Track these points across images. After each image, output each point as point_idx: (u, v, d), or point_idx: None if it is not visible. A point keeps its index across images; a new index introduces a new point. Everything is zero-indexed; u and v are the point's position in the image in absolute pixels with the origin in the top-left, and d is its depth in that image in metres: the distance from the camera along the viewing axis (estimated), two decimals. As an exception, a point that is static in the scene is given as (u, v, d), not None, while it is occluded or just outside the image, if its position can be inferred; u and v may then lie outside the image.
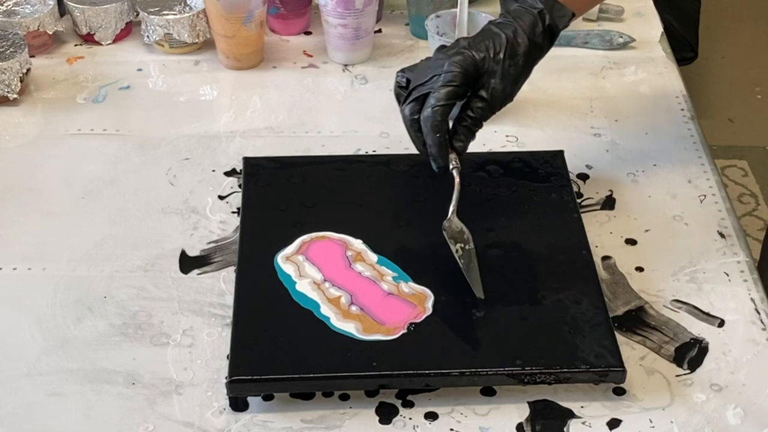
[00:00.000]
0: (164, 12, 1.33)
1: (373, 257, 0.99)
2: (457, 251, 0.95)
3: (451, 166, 0.98)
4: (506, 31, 0.99)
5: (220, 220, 1.08)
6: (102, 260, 1.03)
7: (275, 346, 0.90)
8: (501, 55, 0.97)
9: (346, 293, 0.95)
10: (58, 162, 1.17)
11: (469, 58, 0.97)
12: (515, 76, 0.98)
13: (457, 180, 0.98)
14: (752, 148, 2.51)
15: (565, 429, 0.87)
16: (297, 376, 0.88)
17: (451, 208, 0.97)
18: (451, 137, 0.98)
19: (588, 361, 0.88)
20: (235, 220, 1.07)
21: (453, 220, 0.97)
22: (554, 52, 1.09)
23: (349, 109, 1.25)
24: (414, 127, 0.98)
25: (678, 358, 0.93)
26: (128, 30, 1.38)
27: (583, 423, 0.87)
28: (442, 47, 1.01)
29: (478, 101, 0.98)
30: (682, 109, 1.25)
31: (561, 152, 1.13)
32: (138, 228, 1.07)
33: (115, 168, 1.16)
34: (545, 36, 1.00)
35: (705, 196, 1.11)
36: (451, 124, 1.00)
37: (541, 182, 1.08)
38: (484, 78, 0.98)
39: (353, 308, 0.94)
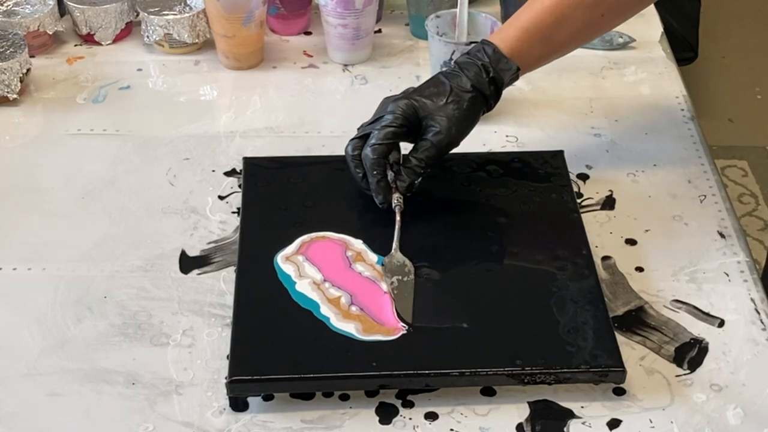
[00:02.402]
0: (164, 12, 1.33)
1: (373, 257, 0.99)
2: (392, 283, 0.96)
3: (393, 204, 1.02)
4: (452, 81, 1.03)
5: (220, 220, 1.08)
6: (102, 260, 1.03)
7: (275, 346, 0.90)
8: (444, 101, 1.02)
9: (346, 293, 0.95)
10: (58, 162, 1.17)
11: (412, 101, 1.02)
12: (460, 120, 1.02)
13: (397, 218, 1.01)
14: (752, 148, 2.51)
15: (565, 429, 0.87)
16: (297, 376, 0.88)
17: (394, 245, 1.00)
18: (397, 177, 1.02)
19: (588, 361, 0.88)
20: (235, 220, 1.07)
21: (395, 256, 0.99)
22: (554, 52, 1.09)
23: (349, 109, 1.25)
24: (353, 162, 1.03)
25: (678, 358, 0.93)
26: (128, 30, 1.38)
27: (583, 423, 0.87)
28: (391, 96, 1.05)
29: (423, 143, 1.02)
30: (682, 109, 1.25)
31: (561, 152, 1.13)
32: (138, 228, 1.07)
33: (115, 168, 1.16)
34: (490, 86, 1.04)
35: (705, 196, 1.11)
36: None
37: (541, 182, 1.08)
38: (428, 121, 1.02)
39: (353, 308, 0.94)
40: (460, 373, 0.88)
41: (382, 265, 0.98)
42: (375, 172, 1.01)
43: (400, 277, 0.97)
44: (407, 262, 0.98)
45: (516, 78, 1.06)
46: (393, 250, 0.99)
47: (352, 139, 1.03)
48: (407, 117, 1.02)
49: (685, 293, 0.99)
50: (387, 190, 1.02)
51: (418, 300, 0.94)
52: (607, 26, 1.12)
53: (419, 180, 1.03)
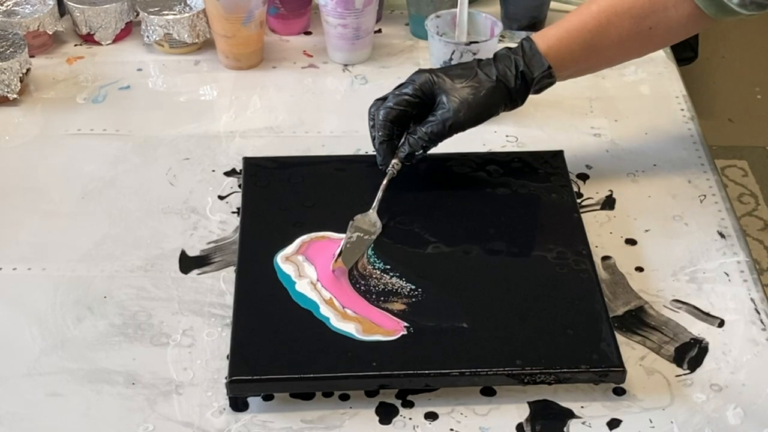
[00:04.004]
0: (164, 12, 1.33)
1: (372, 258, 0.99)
2: (350, 238, 0.99)
3: (388, 168, 1.05)
4: (482, 69, 1.05)
5: (220, 220, 1.08)
6: (102, 260, 1.03)
7: (275, 346, 0.90)
8: (462, 83, 1.04)
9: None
10: (58, 162, 1.17)
11: (432, 76, 1.05)
12: (472, 105, 1.03)
13: (384, 182, 1.04)
14: (752, 148, 2.51)
15: (565, 429, 0.87)
16: (297, 376, 0.88)
17: (374, 204, 1.03)
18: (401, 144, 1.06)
19: (588, 361, 0.88)
20: (235, 220, 1.07)
21: (369, 215, 1.02)
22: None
23: (349, 109, 1.26)
24: (371, 121, 1.08)
25: (678, 358, 0.93)
26: (128, 30, 1.38)
27: (583, 423, 0.87)
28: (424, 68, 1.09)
29: (431, 119, 1.04)
30: (682, 109, 1.25)
31: (561, 152, 1.13)
32: (138, 228, 1.07)
33: (115, 168, 1.16)
34: (517, 80, 1.05)
35: (705, 196, 1.11)
36: None
37: (541, 182, 1.08)
38: (441, 98, 1.04)
39: (348, 311, 0.93)
40: (460, 373, 0.88)
41: (353, 219, 1.01)
42: (380, 133, 1.05)
43: (361, 234, 1.00)
44: (378, 223, 1.01)
45: (549, 77, 1.06)
46: (371, 209, 1.02)
47: (377, 99, 1.07)
48: (423, 90, 1.04)
49: (685, 293, 0.99)
50: (388, 152, 1.05)
51: (419, 300, 0.94)
52: (655, 41, 1.10)
53: (420, 153, 1.05)
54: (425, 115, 1.05)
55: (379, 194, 1.03)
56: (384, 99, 1.06)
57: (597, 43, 1.06)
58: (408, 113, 1.05)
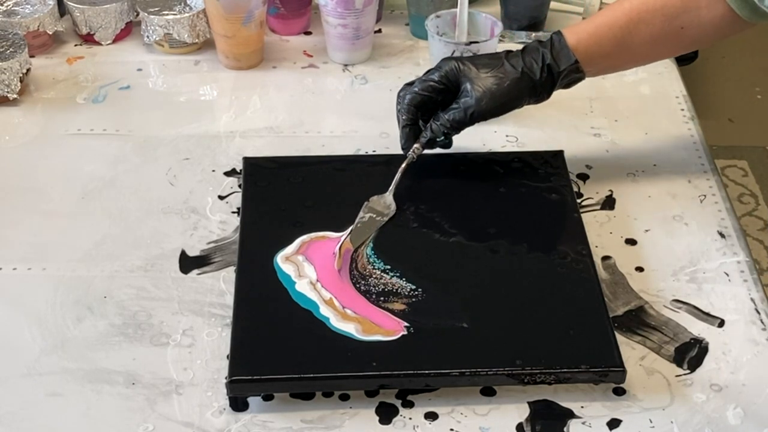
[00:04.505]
0: (164, 12, 1.33)
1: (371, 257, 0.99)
2: (362, 218, 1.01)
3: (409, 152, 1.07)
4: (509, 60, 1.06)
5: (220, 220, 1.08)
6: (102, 260, 1.03)
7: (275, 346, 0.90)
8: (487, 72, 1.04)
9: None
10: (58, 162, 1.17)
11: (459, 64, 1.06)
12: (495, 95, 1.04)
13: (403, 165, 1.06)
14: (752, 148, 2.51)
15: (565, 429, 0.87)
16: (297, 376, 0.88)
17: (391, 187, 1.05)
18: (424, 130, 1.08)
19: (588, 361, 0.88)
20: (235, 220, 1.07)
21: (386, 197, 1.04)
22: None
23: (349, 109, 1.25)
24: (398, 107, 1.09)
25: (678, 358, 0.93)
26: (128, 30, 1.38)
27: (583, 423, 0.87)
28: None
29: (453, 106, 1.05)
30: (682, 109, 1.25)
31: (561, 152, 1.13)
32: (138, 228, 1.07)
33: (115, 168, 1.16)
34: (542, 73, 1.05)
35: (705, 196, 1.11)
36: None
37: (541, 182, 1.08)
38: (466, 86, 1.05)
39: (348, 311, 0.93)
40: (460, 373, 0.88)
41: (368, 200, 1.03)
42: (404, 117, 1.07)
43: (373, 216, 1.01)
44: (393, 206, 1.03)
45: (577, 72, 1.06)
46: (387, 192, 1.04)
47: (405, 84, 1.09)
48: (449, 77, 1.06)
49: (685, 293, 0.99)
50: (411, 136, 1.07)
51: (419, 300, 0.94)
52: (686, 42, 1.08)
53: (441, 139, 1.06)
54: (451, 102, 1.06)
55: (397, 177, 1.05)
56: (412, 84, 1.08)
57: (627, 40, 1.05)
58: (433, 99, 1.06)
